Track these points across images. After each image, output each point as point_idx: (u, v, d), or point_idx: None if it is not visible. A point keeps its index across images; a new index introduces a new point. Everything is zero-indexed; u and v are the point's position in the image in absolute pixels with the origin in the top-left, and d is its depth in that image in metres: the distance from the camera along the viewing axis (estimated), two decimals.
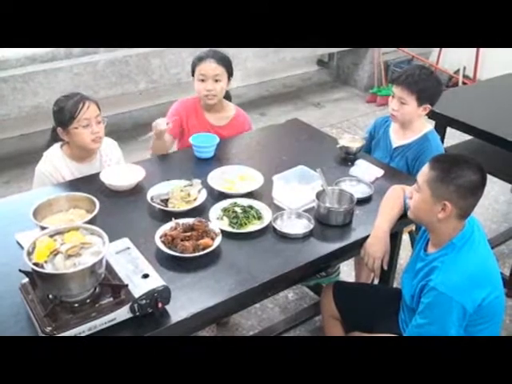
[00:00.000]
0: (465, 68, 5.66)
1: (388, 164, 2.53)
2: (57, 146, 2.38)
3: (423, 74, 2.39)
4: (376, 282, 2.55)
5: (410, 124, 2.49)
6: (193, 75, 2.66)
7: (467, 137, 3.18)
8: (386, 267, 2.00)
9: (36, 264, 1.45)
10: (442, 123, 3.02)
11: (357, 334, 2.05)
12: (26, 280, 1.59)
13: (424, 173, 1.76)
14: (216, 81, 2.60)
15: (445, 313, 1.69)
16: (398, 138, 2.55)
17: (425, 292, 1.75)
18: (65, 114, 2.25)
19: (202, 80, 2.60)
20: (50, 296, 1.53)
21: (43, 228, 1.71)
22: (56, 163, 2.34)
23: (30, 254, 1.48)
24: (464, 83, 5.53)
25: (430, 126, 2.55)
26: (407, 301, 1.91)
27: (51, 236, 1.55)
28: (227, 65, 2.63)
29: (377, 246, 1.96)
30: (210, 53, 2.61)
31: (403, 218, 2.06)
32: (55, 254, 1.49)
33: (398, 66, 5.45)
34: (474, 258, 1.75)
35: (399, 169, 2.51)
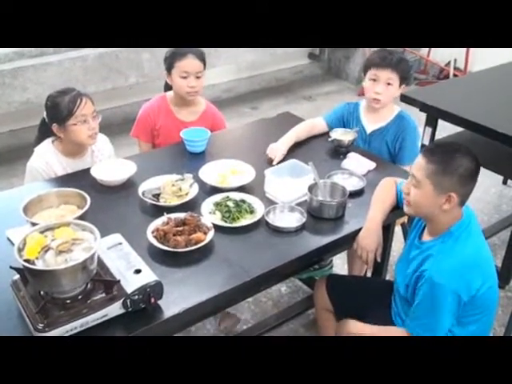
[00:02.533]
0: (456, 60, 5.67)
1: (366, 150, 2.55)
2: (48, 141, 2.37)
3: (399, 55, 2.47)
4: (369, 274, 2.55)
5: (385, 107, 2.53)
6: (168, 71, 2.63)
7: (459, 129, 3.18)
8: (379, 259, 2.00)
9: (27, 260, 1.43)
10: (434, 115, 3.01)
11: (349, 321, 2.03)
12: (17, 277, 1.57)
13: (421, 167, 1.73)
14: (197, 77, 2.60)
15: (440, 302, 1.69)
16: (370, 122, 2.58)
17: (420, 283, 1.75)
18: (61, 111, 2.22)
19: (185, 77, 2.58)
20: (42, 293, 1.51)
21: (34, 224, 1.69)
22: (48, 159, 2.32)
23: (20, 250, 1.47)
24: (455, 75, 5.54)
25: (398, 106, 2.60)
26: (401, 290, 1.91)
27: (42, 232, 1.54)
28: (205, 60, 2.63)
29: (370, 239, 1.96)
30: (189, 48, 2.58)
31: (395, 210, 2.06)
32: (46, 250, 1.48)
33: None
34: (471, 247, 1.76)
35: (379, 153, 2.53)
